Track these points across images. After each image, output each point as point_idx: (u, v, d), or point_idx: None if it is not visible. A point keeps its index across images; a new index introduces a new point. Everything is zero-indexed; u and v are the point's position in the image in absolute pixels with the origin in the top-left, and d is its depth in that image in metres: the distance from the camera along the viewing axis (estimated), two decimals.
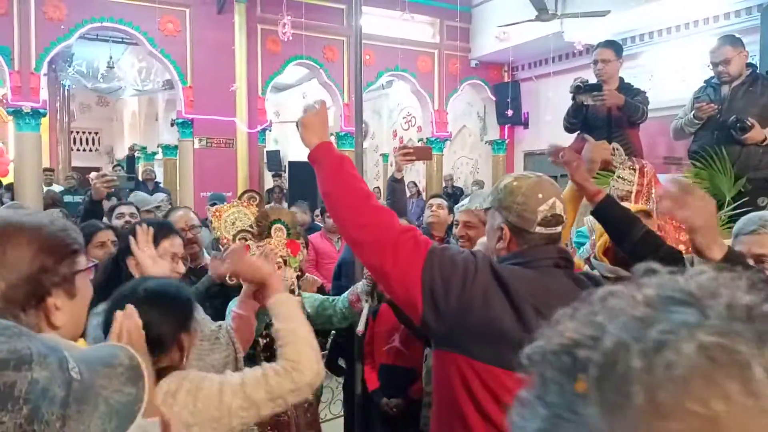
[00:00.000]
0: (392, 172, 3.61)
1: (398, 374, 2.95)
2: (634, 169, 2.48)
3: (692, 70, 7.40)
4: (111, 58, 10.68)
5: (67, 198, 8.74)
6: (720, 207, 3.32)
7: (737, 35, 3.95)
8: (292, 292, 2.42)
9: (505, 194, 1.62)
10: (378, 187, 12.97)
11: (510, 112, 11.51)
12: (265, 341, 2.34)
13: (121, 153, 15.87)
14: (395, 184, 3.54)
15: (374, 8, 9.88)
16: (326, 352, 3.48)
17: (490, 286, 1.51)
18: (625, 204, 2.26)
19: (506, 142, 12.45)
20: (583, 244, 2.56)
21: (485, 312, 1.49)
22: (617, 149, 3.41)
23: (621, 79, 4.07)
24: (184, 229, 3.19)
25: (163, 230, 2.17)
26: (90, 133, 17.85)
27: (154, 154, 14.11)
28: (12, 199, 8.23)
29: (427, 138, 11.78)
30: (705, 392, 0.35)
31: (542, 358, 0.44)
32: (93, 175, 3.96)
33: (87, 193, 4.18)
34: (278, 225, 2.34)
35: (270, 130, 11.73)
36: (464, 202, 3.23)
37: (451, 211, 3.65)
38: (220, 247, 2.40)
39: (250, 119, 9.95)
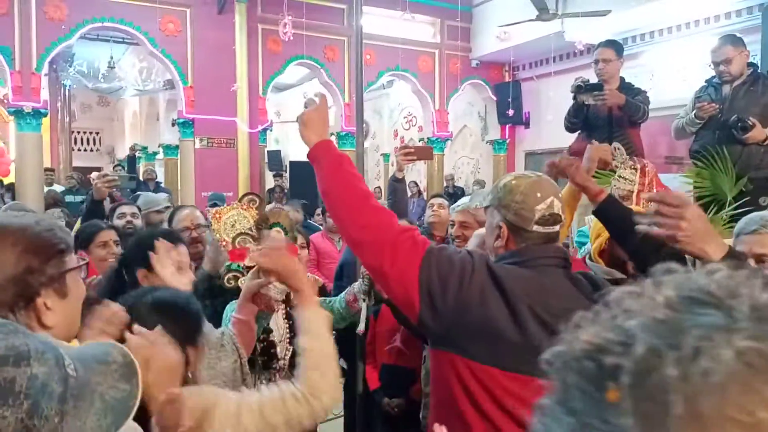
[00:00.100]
0: (393, 171, 3.60)
1: (399, 374, 2.95)
2: (636, 169, 2.48)
3: (693, 70, 7.39)
4: (112, 58, 10.69)
5: (68, 198, 8.76)
6: (721, 207, 3.32)
7: (738, 35, 3.94)
8: (289, 295, 2.43)
9: (504, 193, 1.63)
10: (379, 187, 12.97)
11: (511, 112, 11.51)
12: (262, 345, 2.34)
13: (122, 153, 15.87)
14: (396, 184, 3.54)
15: (375, 8, 9.88)
16: None
17: (487, 286, 1.51)
18: (626, 204, 2.26)
19: (507, 141, 12.45)
20: (584, 244, 2.56)
21: (482, 312, 1.49)
22: (618, 149, 3.41)
23: (622, 79, 4.07)
24: (190, 227, 3.19)
25: (171, 240, 2.15)
26: (91, 133, 17.86)
27: (155, 154, 14.12)
28: (13, 199, 8.24)
29: (428, 138, 11.78)
30: (745, 399, 0.35)
31: (564, 363, 0.42)
32: (94, 175, 3.96)
33: (89, 193, 4.18)
34: (277, 228, 2.34)
35: (271, 130, 11.74)
36: (460, 202, 3.24)
37: None
38: (220, 248, 2.40)
39: (251, 119, 9.96)
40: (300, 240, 3.42)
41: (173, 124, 10.55)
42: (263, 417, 1.42)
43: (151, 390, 1.14)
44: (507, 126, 12.29)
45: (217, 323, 2.11)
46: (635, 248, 1.90)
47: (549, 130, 10.32)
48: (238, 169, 9.85)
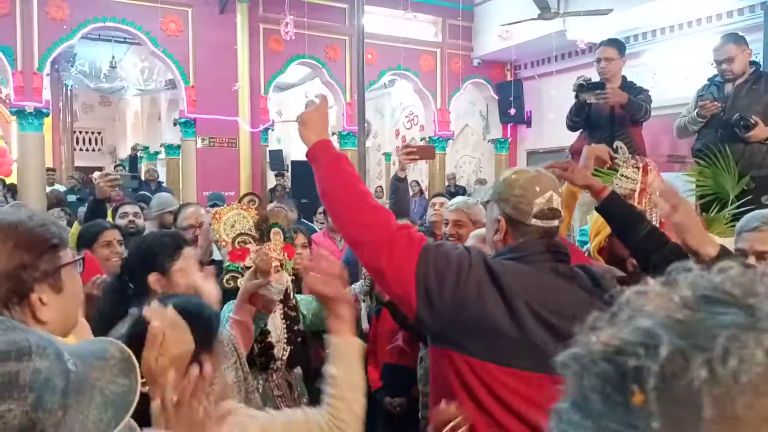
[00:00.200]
0: (395, 171, 3.61)
1: (401, 374, 2.95)
2: (638, 168, 2.47)
3: (695, 69, 7.38)
4: (113, 57, 10.70)
5: (70, 197, 8.77)
6: (724, 205, 3.32)
7: (740, 33, 3.94)
8: (287, 294, 2.44)
9: (504, 187, 1.64)
10: (380, 186, 12.97)
11: (513, 111, 11.50)
12: (260, 346, 2.34)
13: (124, 153, 15.88)
14: (398, 183, 3.54)
15: (376, 7, 9.87)
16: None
17: (484, 282, 1.51)
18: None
19: (509, 140, 12.45)
20: (586, 243, 2.56)
21: (479, 308, 1.49)
22: (620, 147, 3.40)
23: (624, 78, 4.06)
24: (194, 225, 3.21)
25: (177, 244, 2.14)
26: (93, 132, 17.87)
27: (157, 153, 14.12)
28: (14, 198, 8.26)
29: (429, 137, 11.77)
30: None
31: (581, 366, 0.41)
32: (96, 174, 3.96)
33: (89, 192, 4.19)
34: (276, 229, 2.35)
35: (272, 130, 11.73)
36: (453, 201, 3.26)
37: None
38: (220, 248, 2.40)
39: (252, 118, 9.96)
40: (302, 240, 3.42)
41: (175, 124, 10.56)
42: None
43: (157, 373, 1.14)
44: (509, 125, 12.28)
45: None
46: (638, 245, 1.91)
47: (551, 129, 10.31)
48: (240, 168, 9.85)
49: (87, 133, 17.66)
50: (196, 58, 9.45)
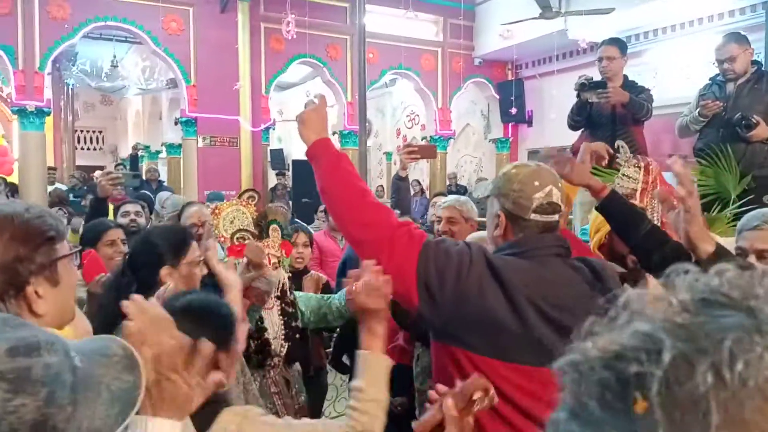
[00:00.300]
0: (396, 170, 3.61)
1: (402, 373, 2.94)
2: (639, 167, 2.47)
3: (697, 68, 7.37)
4: (115, 57, 10.71)
5: (71, 197, 8.77)
6: (725, 205, 3.31)
7: (742, 32, 3.93)
8: (284, 292, 2.44)
9: (504, 181, 1.64)
10: (381, 186, 12.97)
11: (514, 110, 11.49)
12: (256, 343, 2.34)
13: (125, 152, 15.90)
14: (400, 182, 3.54)
15: (378, 6, 9.88)
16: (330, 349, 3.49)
17: (485, 278, 1.51)
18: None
19: (510, 140, 12.44)
20: (587, 241, 2.56)
21: (480, 303, 1.49)
22: (622, 147, 3.40)
23: (625, 77, 4.06)
24: (197, 224, 3.22)
25: (184, 239, 2.12)
26: (94, 132, 17.89)
27: (158, 152, 14.12)
28: (15, 197, 8.26)
29: (430, 136, 11.77)
30: None
31: (579, 373, 0.40)
32: (98, 173, 3.97)
33: (88, 190, 4.19)
34: (274, 225, 2.35)
35: (273, 129, 11.73)
36: (446, 198, 3.27)
37: None
38: (221, 245, 2.40)
39: (253, 118, 9.96)
40: (303, 239, 3.43)
41: (176, 123, 10.57)
42: None
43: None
44: (510, 124, 12.28)
45: None
46: (638, 244, 1.90)
47: (552, 128, 10.30)
48: (241, 167, 9.86)
49: (88, 132, 17.67)
50: (197, 57, 9.45)
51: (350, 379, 3.40)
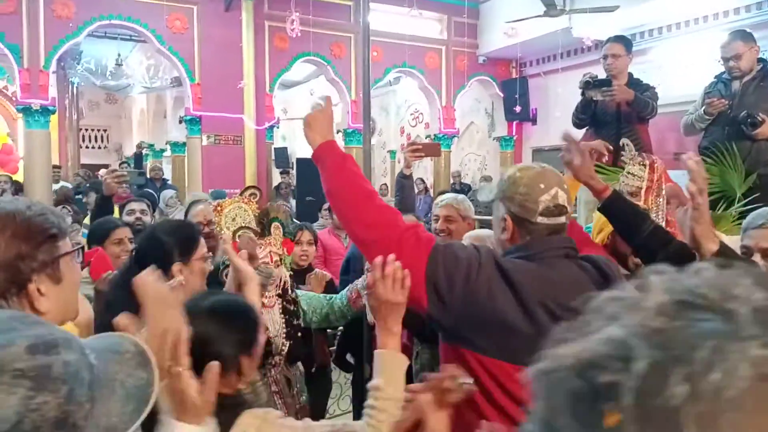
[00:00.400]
0: (401, 168, 3.60)
1: (405, 371, 2.94)
2: (644, 165, 2.46)
3: (702, 66, 7.34)
4: (119, 55, 10.74)
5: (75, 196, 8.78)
6: (731, 203, 3.30)
7: (748, 30, 3.91)
8: (285, 290, 2.44)
9: (509, 185, 1.63)
10: (385, 184, 12.97)
11: (518, 109, 11.47)
12: None
13: (130, 150, 15.95)
14: (404, 181, 3.54)
15: (382, 4, 9.87)
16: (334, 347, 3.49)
17: (494, 280, 1.51)
18: (635, 200, 2.25)
19: (514, 138, 12.42)
20: None
21: (490, 306, 1.50)
22: (627, 145, 3.39)
23: (630, 75, 4.04)
24: (203, 223, 3.23)
25: (192, 234, 2.13)
26: (98, 130, 17.95)
27: (163, 151, 14.16)
28: (20, 195, 8.28)
29: (434, 134, 11.76)
30: (762, 417, 0.31)
31: (549, 382, 0.37)
32: (103, 171, 3.98)
33: (92, 188, 4.20)
34: (276, 223, 2.35)
35: (278, 127, 11.74)
36: (443, 197, 3.26)
37: None
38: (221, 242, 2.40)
39: (257, 116, 9.97)
40: (308, 236, 3.43)
41: (180, 122, 10.59)
42: None
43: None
44: (514, 122, 12.26)
45: None
46: (642, 244, 1.90)
47: (557, 126, 10.26)
48: (245, 166, 9.86)
49: (93, 130, 17.73)
50: (202, 55, 9.45)
51: (354, 377, 3.41)
